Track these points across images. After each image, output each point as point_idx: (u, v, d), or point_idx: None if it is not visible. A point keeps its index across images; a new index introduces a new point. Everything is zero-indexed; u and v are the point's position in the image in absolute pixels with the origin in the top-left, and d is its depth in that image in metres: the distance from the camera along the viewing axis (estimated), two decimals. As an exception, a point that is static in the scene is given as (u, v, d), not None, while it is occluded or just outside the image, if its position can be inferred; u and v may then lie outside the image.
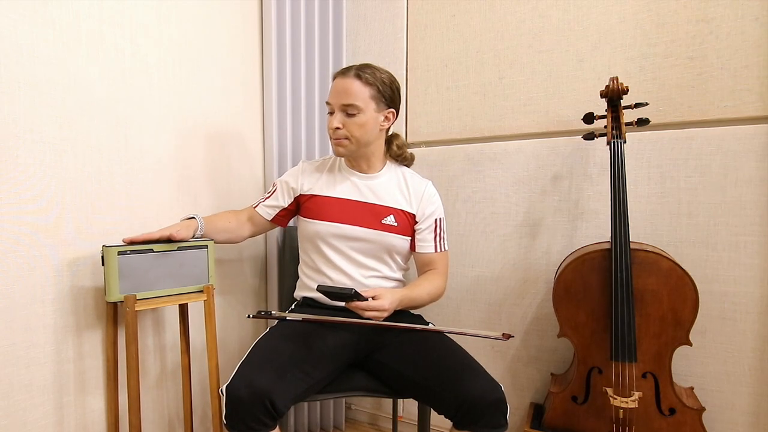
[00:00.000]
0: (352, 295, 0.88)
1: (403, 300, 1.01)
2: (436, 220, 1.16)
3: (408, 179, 1.17)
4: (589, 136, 1.18)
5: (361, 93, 1.03)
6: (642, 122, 1.09)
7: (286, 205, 1.18)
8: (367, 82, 1.04)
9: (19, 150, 0.89)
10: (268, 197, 1.19)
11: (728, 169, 1.11)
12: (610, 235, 1.07)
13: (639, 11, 1.18)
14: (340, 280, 1.12)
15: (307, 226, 1.14)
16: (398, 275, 1.18)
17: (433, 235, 1.15)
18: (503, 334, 0.92)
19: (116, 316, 1.04)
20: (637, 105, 1.09)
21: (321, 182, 1.15)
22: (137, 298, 0.96)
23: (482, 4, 1.40)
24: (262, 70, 1.48)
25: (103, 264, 0.96)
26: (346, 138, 1.06)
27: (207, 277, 1.09)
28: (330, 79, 1.56)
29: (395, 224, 1.11)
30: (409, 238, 1.15)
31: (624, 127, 1.08)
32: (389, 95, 1.08)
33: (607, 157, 1.24)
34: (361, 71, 1.05)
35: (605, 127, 1.12)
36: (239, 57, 1.40)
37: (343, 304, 0.96)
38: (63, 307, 0.97)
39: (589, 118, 1.14)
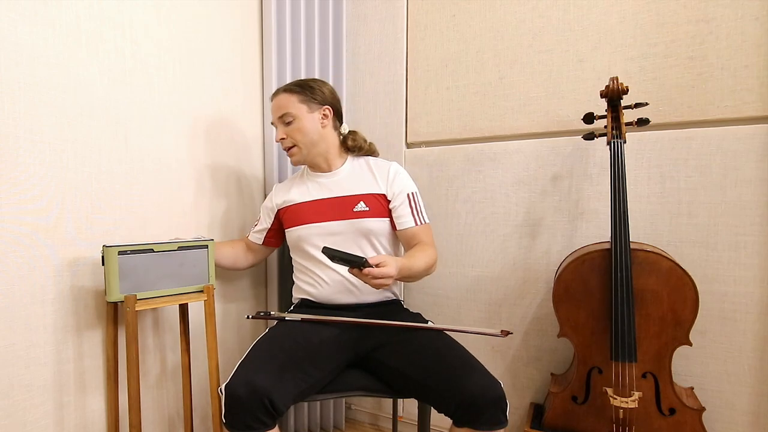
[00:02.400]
0: (361, 263, 0.89)
1: (402, 269, 1.00)
2: (408, 194, 1.17)
3: (372, 164, 1.22)
4: (589, 136, 1.18)
5: (289, 102, 1.14)
6: (642, 122, 1.09)
7: (270, 225, 1.27)
8: (292, 91, 1.15)
9: (19, 150, 0.89)
10: (256, 225, 1.30)
11: (728, 169, 1.11)
12: (610, 235, 1.07)
13: (639, 11, 1.18)
14: (331, 278, 1.14)
15: (291, 235, 1.21)
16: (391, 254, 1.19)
17: (409, 209, 1.16)
18: (502, 330, 0.94)
19: (116, 316, 1.04)
20: (637, 105, 1.09)
21: (293, 193, 1.23)
22: (137, 298, 0.96)
23: (482, 4, 1.40)
24: (262, 70, 1.48)
25: (103, 264, 0.96)
26: (294, 146, 1.17)
27: (207, 277, 1.09)
28: (330, 80, 1.57)
29: (367, 209, 1.15)
30: (387, 219, 1.17)
31: (624, 127, 1.08)
32: (319, 95, 1.16)
33: (607, 157, 1.24)
34: (286, 85, 1.17)
35: (605, 127, 1.12)
36: (239, 57, 1.40)
37: (344, 275, 0.97)
38: (63, 307, 0.97)
39: (589, 118, 1.14)
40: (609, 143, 1.08)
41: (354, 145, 1.23)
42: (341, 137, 1.23)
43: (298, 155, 1.18)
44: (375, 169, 1.20)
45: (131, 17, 1.08)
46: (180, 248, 1.04)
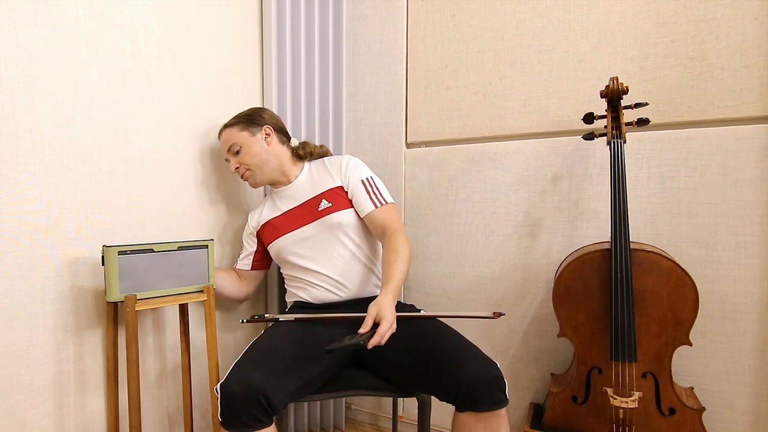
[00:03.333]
0: (364, 341, 0.86)
1: (390, 296, 0.97)
2: (362, 180, 1.20)
3: (327, 162, 1.26)
4: (589, 136, 1.18)
5: (232, 134, 1.20)
6: (642, 122, 1.09)
7: (255, 248, 1.30)
8: (233, 125, 1.21)
9: (19, 150, 0.89)
10: (241, 254, 1.33)
11: (728, 169, 1.11)
12: (610, 235, 1.07)
13: (639, 11, 1.18)
14: (320, 279, 1.18)
15: (272, 250, 1.26)
16: (364, 250, 1.21)
17: (366, 194, 1.18)
18: (494, 312, 0.95)
19: (116, 316, 1.04)
20: (637, 105, 1.09)
21: (265, 213, 1.28)
22: (137, 298, 0.96)
23: (482, 4, 1.40)
24: (262, 69, 1.48)
25: (103, 264, 0.96)
26: (247, 170, 1.22)
27: (207, 277, 1.09)
28: (330, 80, 1.57)
29: (330, 204, 1.19)
30: (351, 209, 1.19)
31: (624, 127, 1.08)
32: (258, 119, 1.22)
33: (607, 157, 1.24)
34: (226, 122, 1.23)
35: (605, 127, 1.12)
36: (239, 57, 1.40)
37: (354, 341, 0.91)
38: (63, 307, 0.97)
39: (589, 118, 1.14)
40: (609, 143, 1.08)
41: (306, 152, 1.28)
42: (292, 149, 1.28)
43: (254, 177, 1.23)
44: (329, 166, 1.25)
45: (131, 17, 1.08)
46: (180, 248, 1.04)
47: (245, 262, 1.31)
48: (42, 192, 0.93)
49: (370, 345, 0.87)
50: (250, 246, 1.30)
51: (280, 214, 1.24)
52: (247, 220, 1.32)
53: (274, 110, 1.46)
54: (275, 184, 1.28)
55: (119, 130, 1.07)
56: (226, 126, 1.23)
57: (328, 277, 1.17)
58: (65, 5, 0.95)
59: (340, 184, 1.21)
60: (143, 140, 1.13)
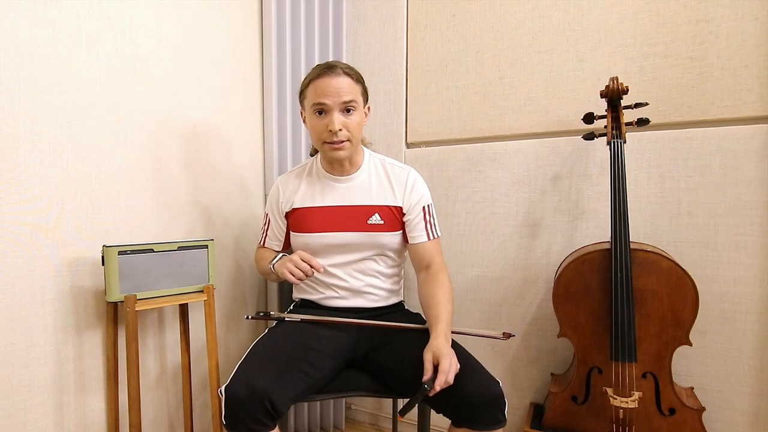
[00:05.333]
0: (429, 386, 0.83)
1: (442, 338, 0.92)
2: (424, 207, 1.11)
3: (389, 170, 1.14)
4: (589, 136, 1.18)
5: (355, 90, 1.03)
6: (642, 122, 1.09)
7: (285, 229, 1.18)
8: (357, 80, 1.04)
9: (19, 150, 0.89)
10: (267, 232, 1.20)
11: (728, 169, 1.11)
12: (610, 235, 1.07)
13: (639, 11, 1.18)
14: (333, 283, 1.12)
15: (297, 239, 1.14)
16: (393, 271, 1.16)
17: (423, 224, 1.11)
18: (504, 333, 0.93)
19: (116, 316, 1.04)
20: (637, 105, 1.09)
21: (301, 194, 1.14)
22: (137, 298, 0.96)
23: (482, 4, 1.40)
24: (262, 70, 1.48)
25: (103, 264, 0.96)
26: (348, 140, 1.03)
27: (207, 277, 1.09)
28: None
29: (382, 222, 1.09)
30: (399, 232, 1.11)
31: (624, 127, 1.08)
32: (367, 91, 1.09)
33: (607, 157, 1.24)
34: (348, 69, 1.03)
35: (605, 127, 1.12)
36: (239, 57, 1.40)
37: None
38: (63, 307, 0.97)
39: (589, 118, 1.14)
40: (609, 143, 1.08)
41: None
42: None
43: (348, 151, 1.05)
44: (392, 177, 1.12)
45: (131, 17, 1.08)
46: (180, 248, 1.04)
47: (276, 244, 1.19)
48: (42, 192, 0.93)
49: (437, 387, 0.82)
50: (279, 226, 1.18)
51: (318, 206, 1.11)
52: (275, 190, 1.17)
53: (274, 110, 1.46)
54: (338, 168, 1.11)
55: (119, 130, 1.07)
56: (348, 74, 1.02)
57: (352, 290, 1.11)
58: (65, 5, 0.95)
59: (400, 205, 1.10)
60: (143, 140, 1.13)
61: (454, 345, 1.00)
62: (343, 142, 1.03)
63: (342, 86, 1.00)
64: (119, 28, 1.06)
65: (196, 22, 1.26)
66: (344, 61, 1.58)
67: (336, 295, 1.12)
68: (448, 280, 1.06)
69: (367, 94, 1.10)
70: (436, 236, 1.12)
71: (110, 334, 1.04)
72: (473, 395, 0.85)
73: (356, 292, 1.12)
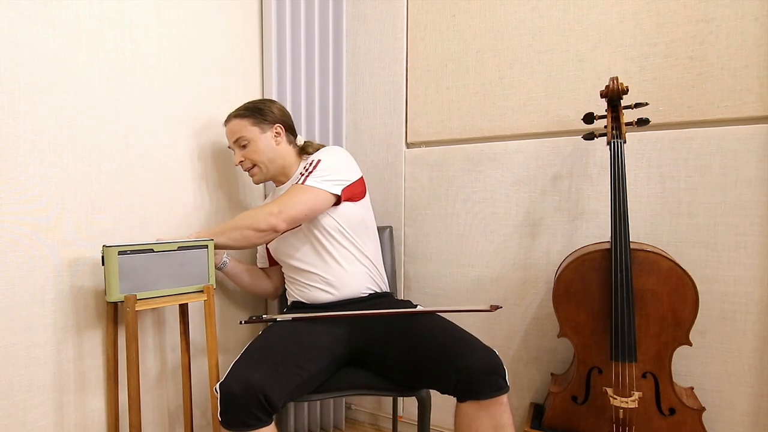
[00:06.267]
0: None
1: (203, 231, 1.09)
2: (313, 160, 1.14)
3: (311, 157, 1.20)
4: (589, 136, 1.18)
5: (242, 126, 1.18)
6: (642, 122, 1.09)
7: (265, 246, 1.31)
8: (243, 116, 1.18)
9: (19, 150, 0.89)
10: (257, 251, 1.36)
11: (728, 169, 1.11)
12: (610, 235, 1.07)
13: (639, 11, 1.18)
14: (310, 279, 1.18)
15: (270, 249, 1.26)
16: (358, 247, 1.17)
17: (299, 175, 1.13)
18: (491, 305, 0.96)
19: (116, 316, 1.04)
20: (637, 105, 1.09)
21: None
22: (137, 298, 0.96)
23: (482, 4, 1.40)
24: (262, 70, 1.48)
25: (103, 264, 0.96)
26: (254, 166, 1.21)
27: (207, 277, 1.09)
28: (330, 80, 1.57)
29: None
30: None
31: (624, 127, 1.08)
32: (269, 116, 1.19)
33: (607, 157, 1.24)
34: (236, 110, 1.20)
35: (605, 127, 1.12)
36: (239, 57, 1.40)
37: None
38: (63, 307, 0.97)
39: (589, 118, 1.14)
40: (609, 143, 1.08)
41: (313, 151, 1.24)
42: (298, 149, 1.27)
43: (259, 174, 1.22)
44: (308, 160, 1.19)
45: (131, 17, 1.08)
46: (180, 248, 1.04)
47: (262, 261, 1.34)
48: (42, 192, 0.93)
49: None
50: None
51: None
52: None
53: (274, 110, 1.46)
54: (276, 182, 1.28)
55: (119, 130, 1.07)
56: (235, 115, 1.19)
57: (319, 276, 1.16)
58: (65, 5, 0.95)
59: None
60: (143, 140, 1.13)
61: (446, 322, 1.03)
62: (251, 168, 1.22)
63: (232, 130, 1.20)
64: (119, 28, 1.06)
65: (196, 22, 1.26)
66: (344, 61, 1.60)
67: (319, 286, 1.17)
68: (260, 211, 1.06)
69: (268, 118, 1.19)
70: (302, 182, 1.10)
71: (110, 334, 1.04)
72: (472, 369, 0.86)
73: (326, 279, 1.16)
